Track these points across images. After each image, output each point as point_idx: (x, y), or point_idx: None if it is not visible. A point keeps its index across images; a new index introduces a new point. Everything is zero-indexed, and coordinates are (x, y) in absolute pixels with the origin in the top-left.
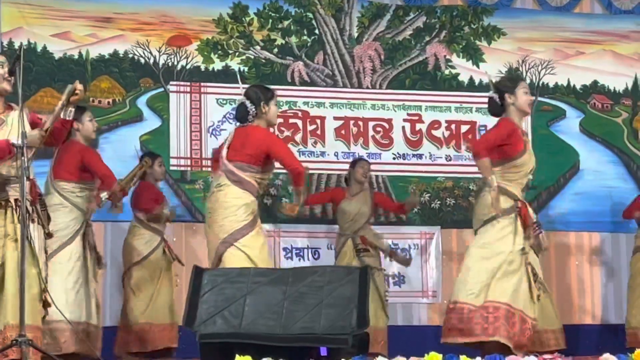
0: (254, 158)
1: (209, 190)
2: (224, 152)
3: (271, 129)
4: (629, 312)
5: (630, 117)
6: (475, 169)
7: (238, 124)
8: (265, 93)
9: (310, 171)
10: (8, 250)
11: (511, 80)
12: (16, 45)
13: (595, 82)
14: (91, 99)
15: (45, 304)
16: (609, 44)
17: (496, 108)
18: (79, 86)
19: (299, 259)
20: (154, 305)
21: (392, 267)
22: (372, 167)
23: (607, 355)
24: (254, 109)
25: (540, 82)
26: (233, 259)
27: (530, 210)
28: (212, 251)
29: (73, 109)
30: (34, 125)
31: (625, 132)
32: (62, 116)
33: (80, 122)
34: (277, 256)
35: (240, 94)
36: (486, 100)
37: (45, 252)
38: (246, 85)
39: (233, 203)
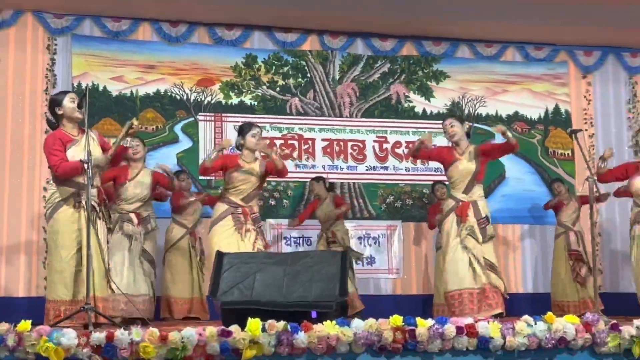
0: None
1: None
2: None
3: (257, 153)
4: (553, 286)
5: (543, 138)
6: (426, 178)
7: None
8: (244, 128)
9: (302, 180)
10: (82, 240)
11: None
12: (83, 86)
13: (516, 112)
14: (141, 126)
15: (108, 281)
16: (526, 84)
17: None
18: (135, 122)
19: (296, 246)
20: (178, 282)
21: (366, 251)
22: (350, 176)
23: (526, 316)
24: (239, 140)
25: (476, 113)
26: None
27: (474, 208)
28: None
29: (130, 139)
30: (102, 146)
31: (539, 149)
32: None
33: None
34: (279, 243)
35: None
36: (435, 126)
37: (107, 241)
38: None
39: None
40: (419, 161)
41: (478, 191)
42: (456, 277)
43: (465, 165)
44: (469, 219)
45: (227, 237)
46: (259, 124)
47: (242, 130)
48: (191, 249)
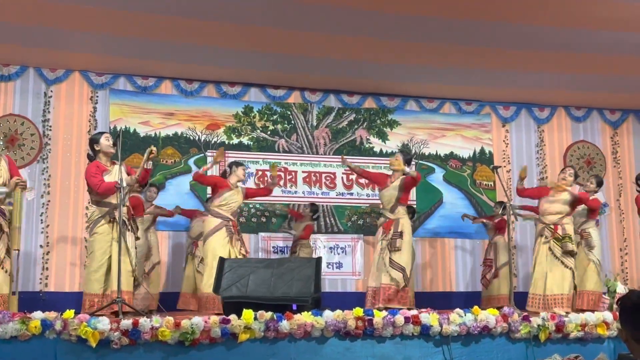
0: None
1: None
2: None
3: (240, 184)
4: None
5: (471, 172)
6: (378, 202)
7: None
8: (234, 164)
9: (288, 202)
10: (113, 247)
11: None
12: (118, 128)
13: (451, 152)
14: (162, 160)
15: (135, 280)
16: (459, 131)
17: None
18: (154, 149)
19: (282, 253)
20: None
21: (334, 258)
22: (323, 200)
23: (457, 309)
24: (229, 171)
25: (421, 152)
26: None
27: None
28: None
29: (151, 162)
30: (128, 173)
31: (469, 181)
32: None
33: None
34: (269, 251)
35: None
36: (389, 162)
37: (135, 248)
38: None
39: None
40: (377, 188)
41: (401, 211)
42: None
43: (391, 191)
44: (390, 232)
45: (222, 246)
46: (254, 159)
47: (234, 165)
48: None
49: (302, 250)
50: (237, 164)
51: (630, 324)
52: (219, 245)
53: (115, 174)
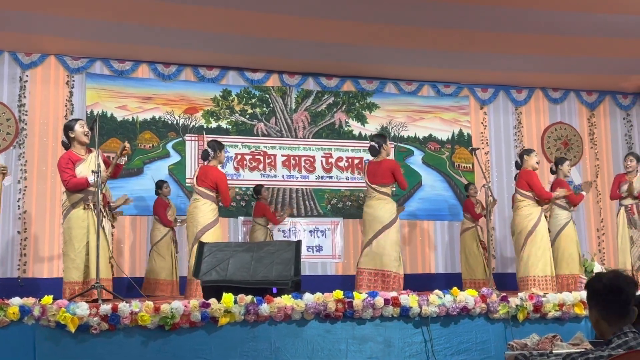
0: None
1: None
2: (194, 180)
3: (219, 166)
4: (462, 268)
5: (450, 155)
6: (359, 185)
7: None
8: (219, 144)
9: (266, 185)
10: (90, 235)
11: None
12: (95, 113)
13: (430, 135)
14: (140, 144)
15: (112, 267)
16: (437, 113)
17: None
18: (128, 146)
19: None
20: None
21: (315, 241)
22: (303, 184)
23: (437, 290)
24: (213, 154)
25: (399, 135)
26: None
27: None
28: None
29: (125, 158)
30: (105, 161)
31: (447, 163)
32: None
33: None
34: (249, 235)
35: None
36: (368, 145)
37: (112, 235)
38: (209, 137)
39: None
40: (356, 171)
41: None
42: None
43: None
44: None
45: (217, 237)
46: (233, 143)
47: (217, 146)
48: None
49: (256, 232)
50: (220, 145)
51: (601, 305)
52: (215, 236)
53: (90, 162)
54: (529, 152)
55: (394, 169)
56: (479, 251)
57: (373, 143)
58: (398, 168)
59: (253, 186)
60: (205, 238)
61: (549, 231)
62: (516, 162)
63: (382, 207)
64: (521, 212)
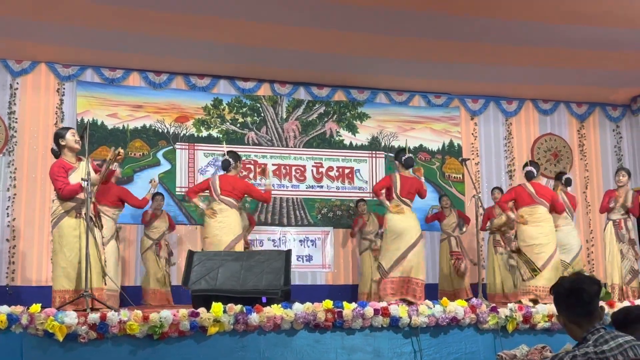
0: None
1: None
2: (217, 190)
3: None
4: (439, 278)
5: (440, 165)
6: (352, 195)
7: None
8: (238, 155)
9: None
10: (81, 243)
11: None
12: (85, 121)
13: (421, 145)
14: (130, 152)
15: (104, 276)
16: (428, 124)
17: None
18: (122, 151)
19: (252, 246)
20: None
21: (305, 251)
22: (294, 193)
23: (427, 300)
24: (233, 164)
25: (390, 145)
26: None
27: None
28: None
29: (116, 164)
30: (95, 170)
31: (438, 173)
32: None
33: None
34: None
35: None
36: (359, 155)
37: (102, 244)
38: (228, 147)
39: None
40: (347, 181)
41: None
42: None
43: None
44: None
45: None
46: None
47: (238, 158)
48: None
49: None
50: (239, 156)
51: (566, 308)
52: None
53: (81, 170)
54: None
55: (422, 188)
56: (449, 263)
57: (411, 155)
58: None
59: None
60: (239, 247)
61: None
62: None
63: (415, 218)
64: None
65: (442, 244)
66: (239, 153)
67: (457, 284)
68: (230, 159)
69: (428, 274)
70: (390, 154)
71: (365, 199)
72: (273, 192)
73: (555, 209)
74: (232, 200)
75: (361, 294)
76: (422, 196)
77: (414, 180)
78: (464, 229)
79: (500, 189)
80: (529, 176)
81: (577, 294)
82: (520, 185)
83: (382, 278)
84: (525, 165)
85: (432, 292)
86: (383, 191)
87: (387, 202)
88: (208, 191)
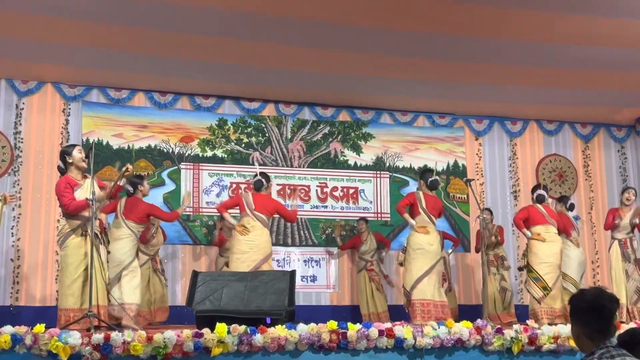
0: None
1: (204, 225)
2: (251, 206)
3: None
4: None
5: (445, 185)
6: (356, 215)
7: (253, 190)
8: (269, 177)
9: None
10: (87, 260)
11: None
12: (90, 141)
13: (425, 165)
14: (135, 172)
15: (108, 294)
16: (433, 144)
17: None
18: (130, 167)
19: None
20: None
21: (309, 271)
22: (298, 213)
23: (432, 322)
24: (265, 184)
25: (395, 165)
26: None
27: None
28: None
29: (125, 180)
30: (100, 187)
31: (442, 194)
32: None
33: (142, 185)
34: None
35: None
36: (364, 175)
37: (107, 261)
38: (260, 169)
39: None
40: (351, 201)
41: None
42: None
43: None
44: None
45: None
46: (229, 172)
47: (269, 178)
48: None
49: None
50: (269, 177)
51: (583, 322)
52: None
53: (87, 188)
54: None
55: (443, 208)
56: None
57: (438, 178)
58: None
59: None
60: (266, 266)
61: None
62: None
63: (438, 238)
64: None
65: None
66: (245, 173)
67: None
68: (263, 179)
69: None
70: (396, 174)
71: (367, 218)
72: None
73: (565, 230)
74: (265, 217)
75: (363, 316)
76: (439, 217)
77: (437, 199)
78: (450, 251)
79: (490, 210)
80: (539, 199)
81: (598, 310)
82: (532, 205)
83: (408, 300)
84: (537, 188)
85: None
86: (407, 208)
87: (412, 221)
88: (239, 207)
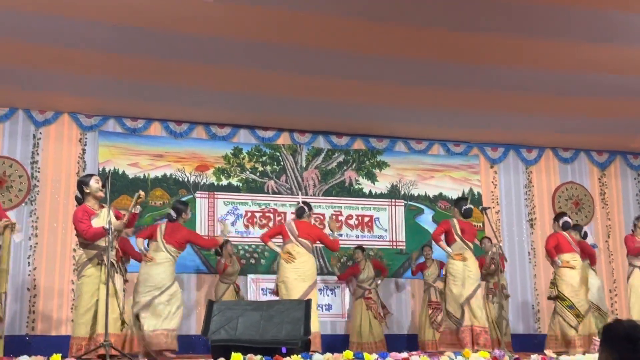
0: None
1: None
2: (295, 233)
3: None
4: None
5: None
6: (369, 243)
7: (295, 217)
8: (311, 205)
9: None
10: (101, 290)
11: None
12: (107, 170)
13: (440, 193)
14: (150, 201)
15: (123, 322)
16: (448, 172)
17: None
18: (142, 194)
19: (271, 295)
20: None
21: (324, 300)
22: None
23: (448, 352)
24: (307, 212)
25: (410, 193)
26: None
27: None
28: None
29: (139, 207)
30: (116, 216)
31: None
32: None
33: (186, 212)
34: (258, 293)
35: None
36: (379, 203)
37: (124, 290)
38: (303, 198)
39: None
40: (366, 229)
41: None
42: None
43: None
44: None
45: None
46: (244, 200)
47: (310, 207)
48: None
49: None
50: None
51: (614, 352)
52: None
53: (103, 218)
54: None
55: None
56: (427, 313)
57: (472, 206)
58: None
59: (263, 244)
60: (313, 294)
61: None
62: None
63: (476, 264)
64: None
65: (424, 294)
66: (260, 201)
67: (430, 334)
68: (305, 207)
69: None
70: (411, 202)
71: (363, 246)
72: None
73: (591, 257)
74: (309, 243)
75: (351, 343)
76: (475, 241)
77: (471, 225)
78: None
79: (489, 239)
80: (565, 226)
81: (632, 342)
82: (559, 233)
83: (458, 327)
84: (562, 215)
85: (413, 343)
86: (442, 236)
87: (449, 248)
88: (281, 236)
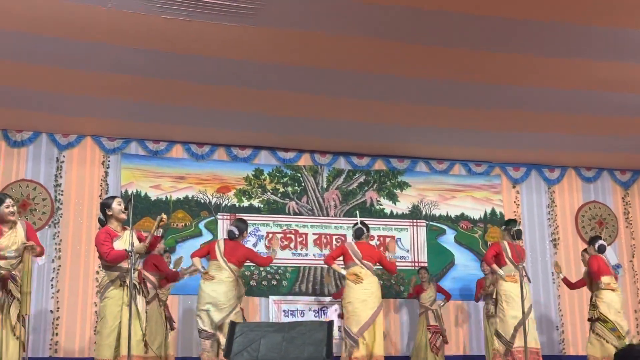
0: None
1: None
2: (359, 254)
3: None
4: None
5: (482, 233)
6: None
7: (354, 238)
8: (369, 226)
9: (297, 264)
10: (124, 312)
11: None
12: (129, 192)
13: (462, 214)
14: (172, 223)
15: (146, 344)
16: (469, 192)
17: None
18: (164, 217)
19: (292, 317)
20: None
21: (338, 322)
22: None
23: None
24: (366, 233)
25: (431, 214)
26: None
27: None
28: None
29: (162, 230)
30: (139, 239)
31: (480, 242)
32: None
33: (246, 231)
34: (280, 315)
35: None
36: (400, 224)
37: (146, 312)
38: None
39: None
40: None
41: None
42: None
43: None
44: None
45: None
46: (265, 222)
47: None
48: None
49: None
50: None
51: None
52: None
53: (126, 239)
54: None
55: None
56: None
57: (521, 229)
58: None
59: (284, 265)
60: (380, 315)
61: None
62: None
63: (527, 284)
64: None
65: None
66: (281, 222)
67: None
68: (364, 228)
69: (480, 343)
70: (433, 223)
71: (427, 267)
72: (315, 261)
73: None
74: (372, 264)
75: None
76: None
77: (520, 247)
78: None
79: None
80: (601, 249)
81: None
82: (598, 256)
83: (508, 348)
84: (598, 238)
85: None
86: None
87: (501, 271)
88: (343, 257)
